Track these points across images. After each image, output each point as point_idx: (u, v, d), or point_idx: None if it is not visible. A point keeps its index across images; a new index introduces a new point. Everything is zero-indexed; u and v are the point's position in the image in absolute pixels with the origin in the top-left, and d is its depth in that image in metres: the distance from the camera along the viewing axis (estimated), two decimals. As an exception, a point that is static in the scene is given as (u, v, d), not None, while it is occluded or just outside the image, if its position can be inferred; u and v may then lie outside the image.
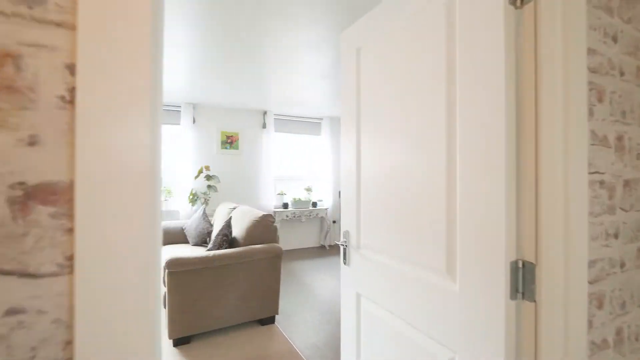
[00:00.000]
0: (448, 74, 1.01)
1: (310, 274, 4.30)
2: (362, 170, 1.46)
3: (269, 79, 3.85)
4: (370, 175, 1.41)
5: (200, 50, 3.01)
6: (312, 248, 5.88)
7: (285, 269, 4.56)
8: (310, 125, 5.90)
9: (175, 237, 4.15)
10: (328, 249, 5.78)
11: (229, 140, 5.25)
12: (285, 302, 3.38)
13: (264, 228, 2.99)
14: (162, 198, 4.76)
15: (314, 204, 5.75)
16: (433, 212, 1.06)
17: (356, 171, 1.50)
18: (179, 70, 3.53)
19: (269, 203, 5.44)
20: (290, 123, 5.74)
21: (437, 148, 1.05)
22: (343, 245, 1.57)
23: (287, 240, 5.77)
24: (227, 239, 2.97)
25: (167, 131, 5.06)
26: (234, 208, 3.81)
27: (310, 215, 5.61)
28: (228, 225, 3.03)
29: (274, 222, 3.08)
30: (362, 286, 1.45)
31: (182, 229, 4.22)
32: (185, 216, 4.78)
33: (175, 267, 2.45)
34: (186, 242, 4.18)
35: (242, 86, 4.12)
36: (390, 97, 1.27)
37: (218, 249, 2.89)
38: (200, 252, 3.41)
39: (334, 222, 6.14)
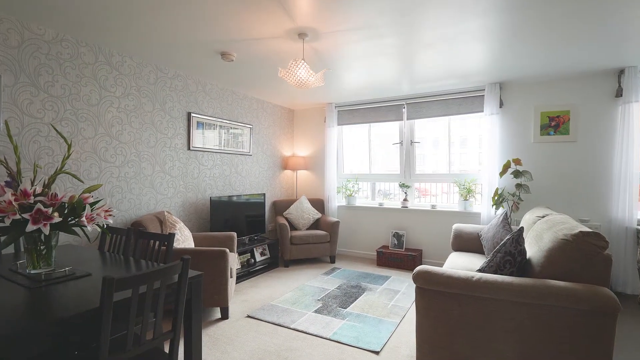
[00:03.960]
0: None
1: None
2: None
3: (623, 7, 2.26)
4: None
5: (514, 9, 2.27)
6: None
7: (655, 332, 2.61)
8: None
9: (469, 243, 3.52)
10: None
11: (552, 123, 3.81)
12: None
13: (579, 255, 1.77)
14: (461, 197, 4.26)
15: None
16: None
17: None
18: (482, 44, 2.85)
19: (628, 216, 3.40)
20: (682, 80, 3.29)
21: None
22: None
23: (670, 281, 3.38)
24: (511, 261, 2.03)
25: (466, 122, 4.46)
26: (543, 216, 2.64)
27: None
28: (516, 240, 2.06)
29: (604, 247, 1.75)
30: None
31: (478, 236, 3.50)
32: (488, 221, 3.98)
33: (424, 283, 1.93)
34: (481, 251, 3.43)
35: (576, 41, 2.75)
36: None
37: (495, 271, 2.03)
38: (468, 269, 2.59)
39: None
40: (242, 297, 3.17)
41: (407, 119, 4.54)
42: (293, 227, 4.64)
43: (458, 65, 3.35)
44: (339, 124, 5.03)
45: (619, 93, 3.49)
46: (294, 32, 2.53)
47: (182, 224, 2.88)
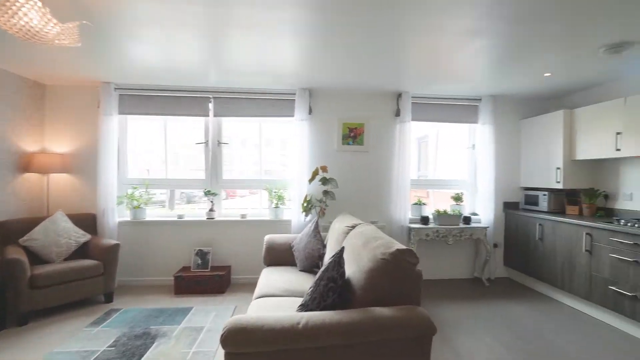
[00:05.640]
0: None
1: (464, 330, 2.68)
2: None
3: (405, 43, 2.49)
4: None
5: (318, 13, 2.00)
6: (462, 280, 4.17)
7: (427, 318, 3.06)
8: (463, 109, 4.19)
9: (282, 256, 3.22)
10: (487, 285, 3.96)
11: (351, 134, 4.09)
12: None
13: (397, 274, 1.66)
14: (272, 205, 3.97)
15: (466, 220, 4.03)
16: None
17: None
18: (292, 43, 2.57)
19: (403, 216, 4.02)
20: (434, 108, 4.17)
21: None
22: None
23: (425, 268, 4.23)
24: (334, 287, 1.75)
25: (279, 125, 4.27)
26: (353, 227, 2.59)
27: (460, 236, 3.93)
28: (338, 262, 1.81)
29: (416, 264, 1.70)
30: None
31: (291, 247, 3.26)
32: (299, 228, 3.86)
33: (237, 345, 1.36)
34: (294, 263, 3.20)
35: (368, 59, 2.88)
36: None
37: (319, 303, 1.70)
38: (285, 290, 2.24)
39: (496, 245, 4.26)
40: None
41: (215, 116, 3.88)
42: (40, 260, 3.08)
43: (272, 62, 3.00)
44: (121, 113, 3.78)
45: (397, 113, 4.09)
46: None
47: None
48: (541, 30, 2.31)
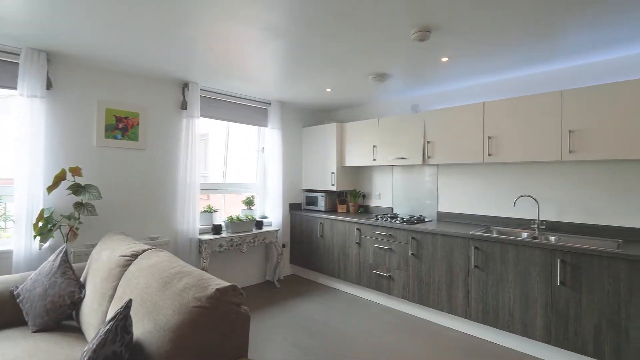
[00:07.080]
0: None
1: (269, 344, 2.53)
2: None
3: (194, 22, 2.03)
4: None
5: None
6: (255, 286, 4.07)
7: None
8: (254, 111, 4.08)
9: (-7, 314, 1.94)
10: (279, 286, 4.04)
11: (120, 125, 3.09)
12: None
13: (220, 324, 1.23)
14: (-32, 231, 2.42)
15: (259, 224, 3.96)
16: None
17: None
18: None
19: (192, 227, 3.44)
20: (225, 106, 3.83)
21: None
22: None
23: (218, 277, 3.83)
24: (118, 372, 1.09)
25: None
26: (135, 256, 1.87)
27: (254, 242, 3.80)
28: (123, 327, 1.15)
29: (242, 303, 1.32)
30: None
31: (14, 295, 2.03)
32: (29, 264, 2.51)
33: None
34: (20, 322, 2.00)
35: (143, 29, 2.15)
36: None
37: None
38: None
39: (284, 246, 4.44)
40: None
41: None
42: None
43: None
44: None
45: (184, 106, 3.46)
46: None
47: None
48: (330, 47, 2.45)
